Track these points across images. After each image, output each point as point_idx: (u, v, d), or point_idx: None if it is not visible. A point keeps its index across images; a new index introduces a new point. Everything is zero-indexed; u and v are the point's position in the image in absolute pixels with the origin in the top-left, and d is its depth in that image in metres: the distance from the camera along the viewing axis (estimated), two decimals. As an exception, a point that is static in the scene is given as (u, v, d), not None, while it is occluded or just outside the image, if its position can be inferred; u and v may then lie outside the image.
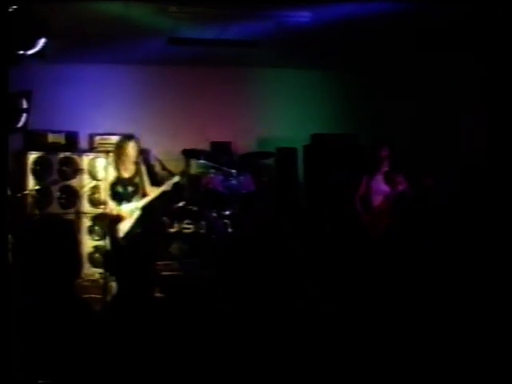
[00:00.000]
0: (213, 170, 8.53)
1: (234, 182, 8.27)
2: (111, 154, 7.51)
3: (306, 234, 7.93)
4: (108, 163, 7.51)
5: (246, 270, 3.23)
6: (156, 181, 7.71)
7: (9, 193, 6.52)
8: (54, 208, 8.51)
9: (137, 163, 7.39)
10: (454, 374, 3.15)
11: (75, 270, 2.97)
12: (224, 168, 8.33)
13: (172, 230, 8.37)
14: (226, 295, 3.18)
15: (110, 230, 7.31)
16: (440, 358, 3.25)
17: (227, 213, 8.09)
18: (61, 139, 8.89)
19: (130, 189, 7.32)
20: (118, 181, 7.31)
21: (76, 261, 3.00)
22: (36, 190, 8.38)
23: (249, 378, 2.81)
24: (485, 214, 7.59)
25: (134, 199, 7.28)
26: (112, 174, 7.32)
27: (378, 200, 7.68)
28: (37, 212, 8.22)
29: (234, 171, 8.28)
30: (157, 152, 8.34)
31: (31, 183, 8.43)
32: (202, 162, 8.57)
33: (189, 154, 8.83)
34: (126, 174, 7.34)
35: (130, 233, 7.20)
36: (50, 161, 8.61)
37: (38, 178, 8.50)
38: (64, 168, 8.69)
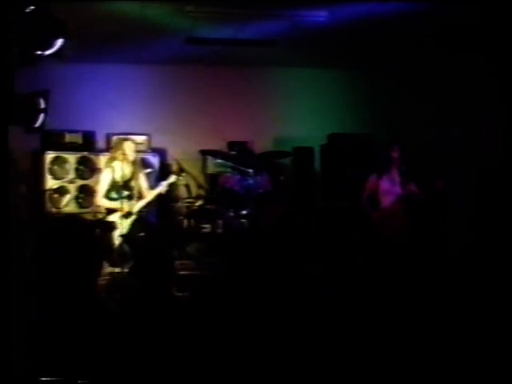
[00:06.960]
0: (230, 170, 8.53)
1: (250, 181, 8.25)
2: (108, 157, 7.52)
3: (323, 233, 7.90)
4: (105, 166, 7.49)
5: (261, 267, 3.23)
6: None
7: (26, 192, 6.58)
8: (72, 207, 8.58)
9: (134, 164, 7.40)
10: (457, 373, 3.13)
11: (98, 267, 3.01)
12: (241, 167, 8.31)
13: (189, 229, 8.37)
14: (239, 292, 3.18)
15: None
16: (450, 358, 3.23)
17: (244, 212, 8.07)
18: (78, 139, 8.96)
19: (125, 193, 7.30)
20: (113, 186, 7.31)
21: (99, 259, 3.04)
22: (53, 189, 8.45)
23: (262, 375, 2.81)
24: (498, 215, 7.53)
25: (128, 204, 7.29)
26: (107, 179, 7.31)
27: (388, 200, 7.54)
28: (54, 211, 8.28)
29: (250, 171, 8.26)
30: (173, 151, 8.36)
31: (49, 183, 8.50)
32: (219, 161, 8.56)
33: (206, 154, 8.85)
34: (121, 178, 7.32)
35: (129, 235, 7.19)
36: (67, 160, 8.68)
37: (56, 177, 8.58)
38: (81, 167, 8.76)
